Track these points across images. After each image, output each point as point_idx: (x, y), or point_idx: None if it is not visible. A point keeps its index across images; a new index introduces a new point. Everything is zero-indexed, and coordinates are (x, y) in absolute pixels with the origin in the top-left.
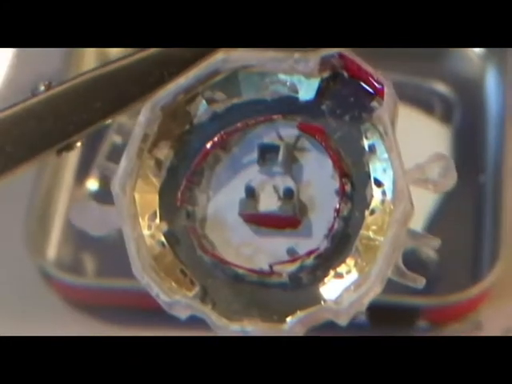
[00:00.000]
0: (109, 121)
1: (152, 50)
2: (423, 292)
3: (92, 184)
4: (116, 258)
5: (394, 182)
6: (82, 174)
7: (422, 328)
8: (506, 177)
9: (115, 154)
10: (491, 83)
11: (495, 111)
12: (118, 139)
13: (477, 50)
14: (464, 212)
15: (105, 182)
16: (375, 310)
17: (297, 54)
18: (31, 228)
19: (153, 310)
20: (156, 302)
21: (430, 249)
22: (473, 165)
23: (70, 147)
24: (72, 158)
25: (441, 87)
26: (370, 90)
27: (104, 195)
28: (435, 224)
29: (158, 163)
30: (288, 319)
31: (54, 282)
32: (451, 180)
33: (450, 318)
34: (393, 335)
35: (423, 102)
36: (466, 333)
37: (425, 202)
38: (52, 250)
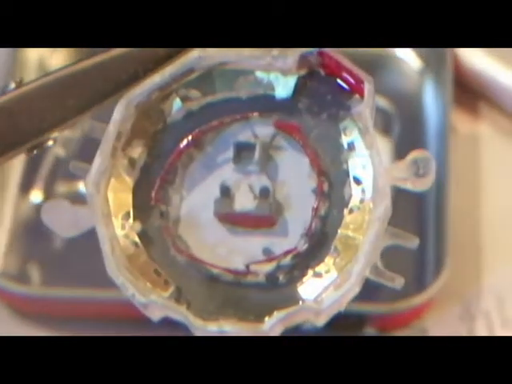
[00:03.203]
0: (82, 118)
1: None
2: (369, 299)
3: (36, 196)
4: (62, 267)
5: (374, 180)
6: (26, 185)
7: (368, 335)
8: (448, 187)
9: (58, 167)
10: (429, 97)
11: (434, 124)
12: (61, 152)
13: (414, 64)
14: (407, 222)
15: (49, 194)
16: None
17: (275, 51)
18: None
19: (98, 319)
20: (101, 310)
21: (408, 247)
22: None
23: (41, 146)
24: (16, 170)
25: (380, 101)
26: (347, 87)
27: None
28: None
29: (132, 162)
30: (266, 319)
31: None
32: (430, 178)
33: (396, 325)
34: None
35: None
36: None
37: None
38: None
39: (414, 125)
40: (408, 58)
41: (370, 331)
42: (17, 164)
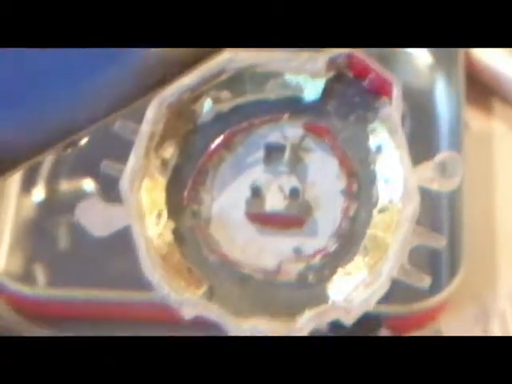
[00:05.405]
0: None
1: (155, 50)
2: (385, 301)
3: (39, 194)
4: (67, 267)
5: (404, 180)
6: (28, 184)
7: (383, 335)
8: (462, 185)
9: (60, 166)
10: (441, 94)
11: (446, 121)
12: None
13: (426, 61)
14: (421, 224)
15: (50, 193)
16: None
17: (305, 54)
18: None
19: (103, 321)
20: (105, 312)
21: (435, 246)
22: None
23: (75, 143)
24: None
25: None
26: (374, 90)
27: (50, 205)
28: None
29: (164, 162)
30: (298, 317)
31: (5, 293)
32: (457, 179)
33: (410, 326)
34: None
35: None
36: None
37: None
38: (1, 261)
39: (427, 122)
40: (419, 54)
41: (385, 332)
42: None
